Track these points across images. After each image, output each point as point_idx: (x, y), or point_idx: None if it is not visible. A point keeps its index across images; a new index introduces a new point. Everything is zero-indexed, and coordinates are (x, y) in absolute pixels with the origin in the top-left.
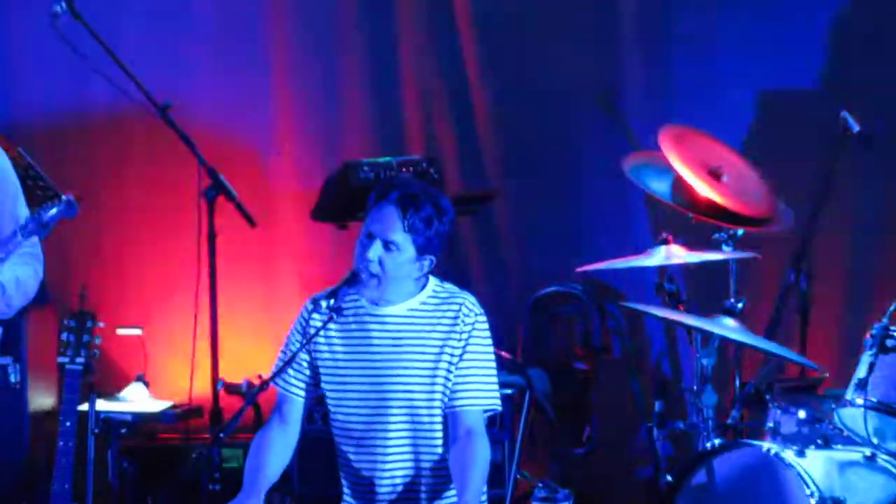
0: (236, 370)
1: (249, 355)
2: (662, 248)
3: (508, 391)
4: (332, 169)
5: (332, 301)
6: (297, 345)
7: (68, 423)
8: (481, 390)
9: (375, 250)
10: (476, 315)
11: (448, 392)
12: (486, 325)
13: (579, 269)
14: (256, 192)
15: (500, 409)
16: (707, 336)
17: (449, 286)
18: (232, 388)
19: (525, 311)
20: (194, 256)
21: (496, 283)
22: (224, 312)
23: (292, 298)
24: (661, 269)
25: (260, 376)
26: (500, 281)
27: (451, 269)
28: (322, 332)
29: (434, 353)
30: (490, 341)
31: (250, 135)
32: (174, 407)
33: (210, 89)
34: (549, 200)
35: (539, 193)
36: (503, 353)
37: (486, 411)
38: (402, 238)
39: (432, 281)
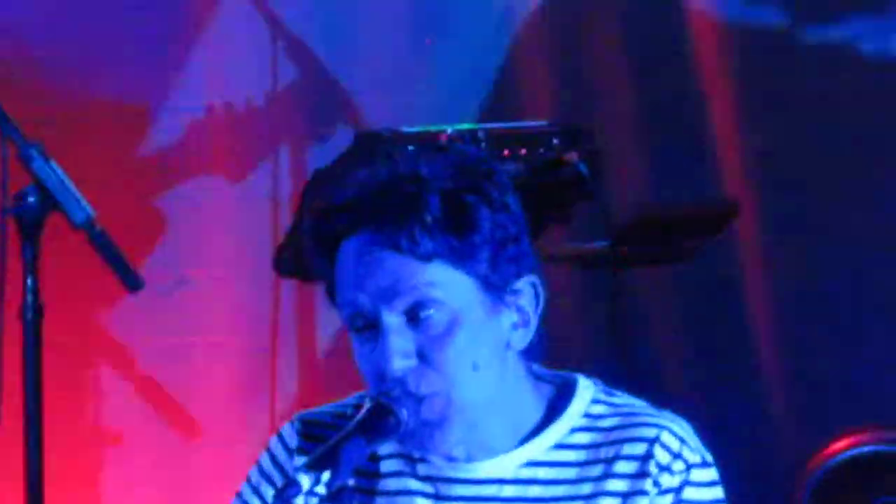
0: None
1: None
2: None
3: None
4: (325, 157)
5: (324, 476)
6: None
7: None
8: None
9: (398, 345)
10: (688, 462)
11: None
12: (717, 488)
13: None
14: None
15: None
16: None
17: (623, 399)
18: None
19: (805, 497)
20: None
21: (737, 434)
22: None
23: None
24: None
25: None
26: (744, 429)
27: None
28: None
29: None
30: None
31: (118, 73)
32: None
33: None
34: (860, 236)
35: (833, 221)
36: None
37: None
38: (434, 275)
39: (583, 390)
